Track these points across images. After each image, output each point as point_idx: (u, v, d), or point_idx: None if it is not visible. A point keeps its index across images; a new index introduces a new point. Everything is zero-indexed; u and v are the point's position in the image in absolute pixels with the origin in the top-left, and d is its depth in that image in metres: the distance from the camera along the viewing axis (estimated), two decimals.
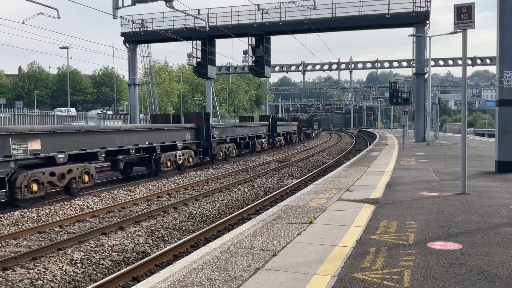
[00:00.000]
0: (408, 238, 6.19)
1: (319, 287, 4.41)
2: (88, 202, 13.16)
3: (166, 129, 19.01)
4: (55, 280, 7.07)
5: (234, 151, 25.29)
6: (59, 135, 13.40)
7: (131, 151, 16.52)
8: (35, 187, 12.07)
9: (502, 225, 6.87)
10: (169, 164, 18.41)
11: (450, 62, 43.65)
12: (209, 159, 23.08)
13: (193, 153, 20.46)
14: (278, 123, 36.08)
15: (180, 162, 19.19)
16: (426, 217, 7.48)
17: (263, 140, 30.47)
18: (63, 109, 49.52)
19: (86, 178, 14.03)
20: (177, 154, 19.00)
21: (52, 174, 12.75)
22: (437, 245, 5.85)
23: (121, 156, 15.86)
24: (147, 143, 17.40)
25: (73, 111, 43.68)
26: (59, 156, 13.16)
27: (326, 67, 48.67)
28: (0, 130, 11.57)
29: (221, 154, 23.83)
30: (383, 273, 4.80)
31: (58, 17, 24.72)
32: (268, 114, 69.91)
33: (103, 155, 15.09)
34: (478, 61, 43.64)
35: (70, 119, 36.36)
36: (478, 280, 4.56)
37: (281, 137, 36.79)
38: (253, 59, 35.88)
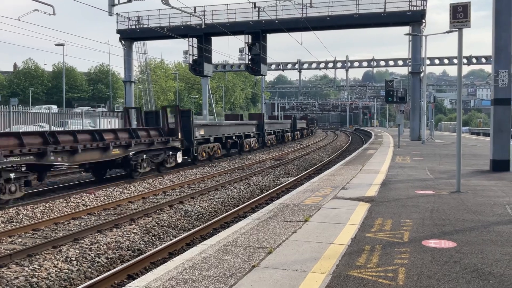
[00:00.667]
0: (403, 236, 6.22)
1: (314, 284, 4.43)
2: (83, 200, 13.13)
3: (244, 124, 29.29)
4: (50, 278, 7.05)
5: (219, 151, 24.30)
6: (210, 126, 23.74)
7: (233, 137, 26.57)
8: (203, 154, 22.28)
9: (496, 224, 6.91)
10: (247, 147, 28.35)
11: (446, 61, 43.80)
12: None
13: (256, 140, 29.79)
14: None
15: (252, 146, 29.07)
16: (421, 215, 7.52)
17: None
18: (43, 106, 49.15)
19: (219, 151, 24.32)
20: (251, 141, 28.88)
21: (208, 147, 22.80)
22: (432, 243, 5.88)
23: (229, 140, 25.92)
24: (237, 132, 27.09)
25: (54, 108, 43.28)
26: (211, 138, 23.28)
27: (322, 65, 48.75)
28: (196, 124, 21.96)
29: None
30: (378, 270, 4.83)
31: (54, 14, 24.63)
32: (264, 112, 69.97)
33: (224, 139, 24.96)
34: (474, 60, 43.81)
35: (66, 116, 36.22)
36: (472, 278, 4.59)
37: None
38: (250, 57, 35.88)
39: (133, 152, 16.31)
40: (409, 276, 4.64)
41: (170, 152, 18.73)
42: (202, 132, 22.12)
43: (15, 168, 11.99)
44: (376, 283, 4.47)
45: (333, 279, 4.58)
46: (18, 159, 11.91)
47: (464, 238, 6.10)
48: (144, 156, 16.96)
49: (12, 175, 11.70)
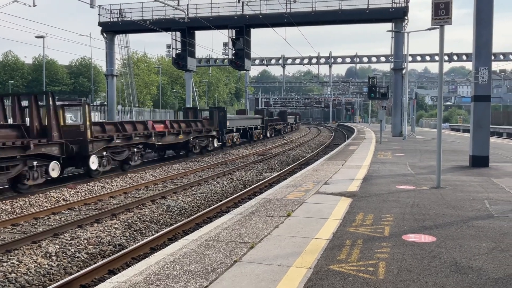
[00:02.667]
0: (384, 230, 6.28)
1: (295, 279, 4.44)
2: (63, 194, 12.97)
3: (252, 118, 37.24)
4: (29, 273, 6.96)
5: (238, 139, 31.10)
6: (233, 119, 30.77)
7: (246, 128, 33.41)
8: (229, 141, 28.88)
9: (475, 218, 7.02)
10: (256, 137, 35.20)
11: (428, 58, 44.26)
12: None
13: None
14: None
15: (258, 136, 35.88)
16: (401, 210, 7.60)
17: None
18: None
19: (238, 139, 31.06)
20: (257, 132, 35.63)
21: (233, 137, 29.64)
22: (412, 237, 5.94)
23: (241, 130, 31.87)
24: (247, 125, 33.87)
25: None
26: (234, 128, 30.14)
27: (306, 61, 48.81)
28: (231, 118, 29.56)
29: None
30: (358, 265, 4.86)
31: (34, 6, 24.18)
32: (247, 107, 69.83)
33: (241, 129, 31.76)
34: (455, 57, 44.35)
35: None
36: (451, 272, 4.65)
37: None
38: (233, 51, 35.78)
39: (192, 137, 22.86)
40: (389, 270, 4.69)
41: (210, 139, 25.22)
42: (228, 123, 27.85)
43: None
44: (357, 277, 4.51)
45: (314, 274, 4.60)
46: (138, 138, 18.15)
47: (444, 232, 6.18)
48: (197, 140, 23.49)
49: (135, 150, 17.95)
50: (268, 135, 39.75)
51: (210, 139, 25.14)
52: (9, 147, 11.91)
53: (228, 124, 28.13)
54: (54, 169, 13.46)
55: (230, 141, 28.98)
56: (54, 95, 14.26)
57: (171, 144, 21.34)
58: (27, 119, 14.46)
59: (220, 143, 26.86)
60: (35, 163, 12.78)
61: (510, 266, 4.85)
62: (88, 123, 14.92)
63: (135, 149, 17.72)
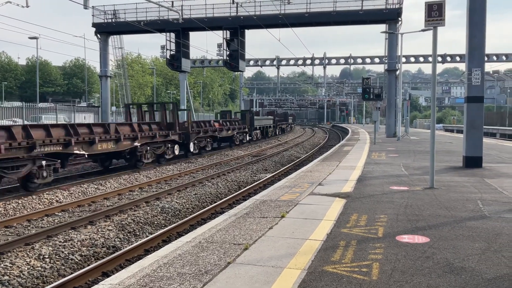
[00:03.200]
0: (378, 231, 6.29)
1: (289, 280, 4.44)
2: (57, 196, 12.91)
3: (267, 119, 41.69)
4: (22, 276, 6.92)
5: (260, 135, 36.68)
6: (258, 119, 35.71)
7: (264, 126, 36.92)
8: (255, 136, 35.19)
9: (468, 219, 7.05)
10: (270, 133, 39.35)
11: (421, 59, 44.48)
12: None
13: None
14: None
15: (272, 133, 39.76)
16: (395, 211, 7.62)
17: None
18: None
19: (260, 135, 36.55)
20: (270, 129, 39.10)
21: (257, 133, 35.31)
22: (405, 238, 5.96)
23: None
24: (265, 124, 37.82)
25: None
26: (258, 127, 35.09)
27: (300, 62, 48.93)
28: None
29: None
30: (352, 266, 4.87)
31: (27, 6, 24.07)
32: (243, 108, 69.80)
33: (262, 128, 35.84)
34: (448, 59, 44.62)
35: (39, 111, 35.55)
36: (444, 273, 4.67)
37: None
38: (228, 52, 35.78)
39: (235, 132, 30.23)
40: (383, 271, 4.70)
41: (245, 134, 33.11)
42: (255, 123, 33.91)
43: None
44: (351, 278, 4.51)
45: (308, 275, 4.60)
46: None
47: (437, 233, 6.21)
48: (237, 135, 31.33)
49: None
50: (277, 133, 46.59)
51: (245, 134, 32.67)
52: (161, 135, 20.17)
53: (255, 123, 36.07)
54: (177, 149, 21.76)
55: (255, 136, 36.40)
56: (176, 104, 23.67)
57: (225, 137, 28.74)
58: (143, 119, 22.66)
59: (250, 137, 34.41)
60: (169, 145, 21.06)
61: (503, 266, 4.87)
62: (190, 121, 23.07)
63: (209, 139, 25.81)
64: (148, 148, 19.22)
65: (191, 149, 23.10)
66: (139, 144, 18.40)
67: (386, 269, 4.78)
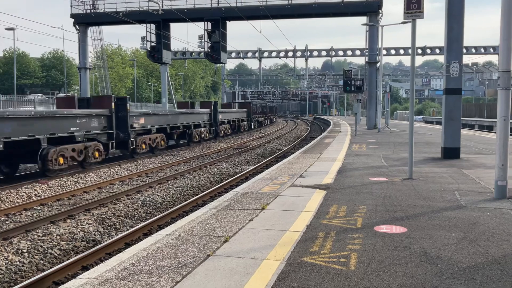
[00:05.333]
0: (356, 222, 6.36)
1: (268, 272, 4.47)
2: (35, 190, 12.73)
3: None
4: (0, 271, 6.82)
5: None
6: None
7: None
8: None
9: (445, 209, 7.17)
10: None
11: (402, 51, 44.82)
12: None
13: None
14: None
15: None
16: (374, 201, 7.71)
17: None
18: None
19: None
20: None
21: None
22: (384, 228, 6.04)
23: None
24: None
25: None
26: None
27: (282, 54, 48.85)
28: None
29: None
30: (331, 256, 4.92)
31: None
32: (224, 100, 69.52)
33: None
34: (428, 51, 45.05)
35: (17, 104, 34.92)
36: (421, 262, 4.75)
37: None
38: (209, 44, 35.55)
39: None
40: (361, 261, 4.76)
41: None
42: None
43: None
44: (329, 268, 4.56)
45: (287, 266, 4.64)
46: None
47: (415, 223, 6.31)
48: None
49: None
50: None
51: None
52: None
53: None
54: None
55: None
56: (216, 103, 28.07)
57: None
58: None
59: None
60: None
61: (478, 255, 4.98)
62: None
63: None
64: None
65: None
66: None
67: (364, 259, 4.84)
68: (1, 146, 12.64)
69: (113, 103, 18.19)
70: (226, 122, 33.25)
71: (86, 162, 16.26)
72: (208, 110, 29.67)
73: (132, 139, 19.10)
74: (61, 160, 14.76)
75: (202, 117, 28.34)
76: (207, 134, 28.65)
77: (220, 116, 31.34)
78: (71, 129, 15.62)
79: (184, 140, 26.07)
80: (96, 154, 16.80)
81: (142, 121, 20.39)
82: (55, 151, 14.42)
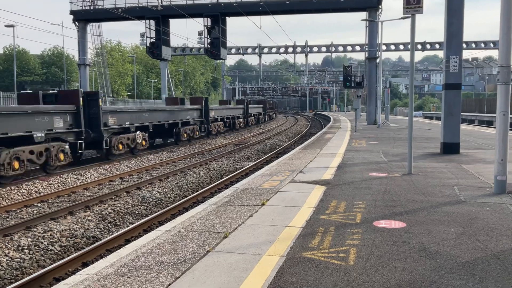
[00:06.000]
0: (356, 217, 6.38)
1: (268, 267, 4.49)
2: (36, 187, 12.74)
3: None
4: (0, 267, 6.85)
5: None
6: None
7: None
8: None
9: (444, 204, 7.19)
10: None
11: (401, 46, 44.80)
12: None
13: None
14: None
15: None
16: (373, 197, 7.72)
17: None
18: None
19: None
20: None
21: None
22: (383, 223, 6.06)
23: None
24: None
25: None
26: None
27: (282, 50, 48.83)
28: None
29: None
30: (330, 251, 4.94)
31: None
32: (224, 96, 69.35)
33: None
34: (428, 46, 45.02)
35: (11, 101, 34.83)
36: (419, 257, 4.77)
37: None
38: (209, 40, 35.52)
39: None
40: (360, 256, 4.78)
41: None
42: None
43: None
44: (328, 263, 4.58)
45: (286, 261, 4.65)
46: None
47: (414, 218, 6.32)
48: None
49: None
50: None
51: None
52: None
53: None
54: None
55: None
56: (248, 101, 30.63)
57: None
58: None
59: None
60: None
61: (476, 250, 4.99)
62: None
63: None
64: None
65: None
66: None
67: (363, 254, 4.86)
68: (167, 125, 16.46)
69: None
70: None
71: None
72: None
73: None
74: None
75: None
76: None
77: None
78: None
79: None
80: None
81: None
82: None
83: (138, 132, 19.72)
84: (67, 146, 15.14)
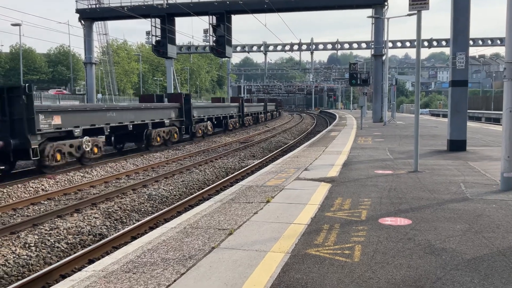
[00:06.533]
0: (361, 214, 6.37)
1: (272, 263, 4.49)
2: (43, 185, 12.82)
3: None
4: (7, 264, 6.90)
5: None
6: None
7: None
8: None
9: (450, 201, 7.16)
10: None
11: (408, 44, 44.53)
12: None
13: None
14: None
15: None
16: (379, 194, 7.70)
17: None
18: None
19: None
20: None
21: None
22: (388, 221, 6.04)
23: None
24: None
25: None
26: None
27: (287, 47, 48.71)
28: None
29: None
30: (335, 248, 4.93)
31: None
32: (230, 95, 69.33)
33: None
34: (434, 43, 44.74)
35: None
36: (425, 254, 4.75)
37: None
38: (214, 38, 35.52)
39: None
40: (365, 253, 4.77)
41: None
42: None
43: None
44: (333, 260, 4.58)
45: (291, 258, 4.66)
46: None
47: (419, 215, 6.30)
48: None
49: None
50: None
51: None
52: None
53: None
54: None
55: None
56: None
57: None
58: None
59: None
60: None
61: (482, 247, 4.97)
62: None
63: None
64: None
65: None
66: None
67: (368, 251, 4.85)
68: (131, 126, 18.99)
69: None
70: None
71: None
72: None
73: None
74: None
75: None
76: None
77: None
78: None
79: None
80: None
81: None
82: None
83: (208, 122, 28.22)
84: (177, 129, 23.45)
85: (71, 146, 15.32)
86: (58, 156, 14.62)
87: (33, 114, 13.51)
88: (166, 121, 22.62)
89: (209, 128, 28.63)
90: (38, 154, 13.72)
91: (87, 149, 16.01)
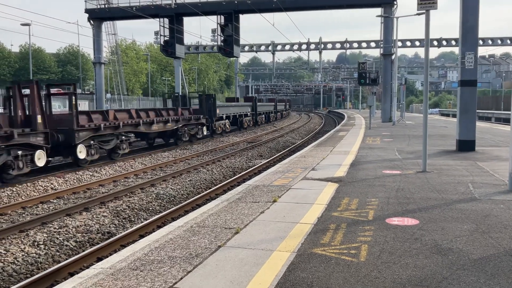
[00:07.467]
0: (368, 214, 6.36)
1: (278, 262, 4.51)
2: (52, 184, 12.94)
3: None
4: (16, 262, 6.98)
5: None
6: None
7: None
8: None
9: (458, 202, 7.13)
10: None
11: (417, 43, 44.24)
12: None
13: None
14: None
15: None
16: (386, 194, 7.69)
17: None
18: None
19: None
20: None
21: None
22: (395, 221, 6.03)
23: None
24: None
25: None
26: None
27: (295, 47, 48.59)
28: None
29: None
30: (341, 248, 4.94)
31: None
32: (238, 94, 69.42)
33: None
34: (444, 43, 44.42)
35: None
36: (432, 254, 4.74)
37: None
38: (222, 38, 35.52)
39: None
40: (371, 253, 4.77)
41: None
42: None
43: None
44: (339, 259, 4.58)
45: (297, 257, 4.67)
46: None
47: (427, 215, 6.28)
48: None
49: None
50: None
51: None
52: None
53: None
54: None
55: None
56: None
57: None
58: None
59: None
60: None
61: (489, 247, 4.95)
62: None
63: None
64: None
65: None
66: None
67: (374, 250, 4.85)
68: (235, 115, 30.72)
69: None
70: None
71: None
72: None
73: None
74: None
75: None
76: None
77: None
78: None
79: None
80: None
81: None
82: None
83: (226, 120, 31.00)
84: (250, 119, 36.24)
85: (222, 124, 29.33)
86: (219, 128, 28.86)
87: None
88: (248, 113, 36.65)
89: (227, 126, 30.90)
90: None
91: (226, 126, 30.24)
